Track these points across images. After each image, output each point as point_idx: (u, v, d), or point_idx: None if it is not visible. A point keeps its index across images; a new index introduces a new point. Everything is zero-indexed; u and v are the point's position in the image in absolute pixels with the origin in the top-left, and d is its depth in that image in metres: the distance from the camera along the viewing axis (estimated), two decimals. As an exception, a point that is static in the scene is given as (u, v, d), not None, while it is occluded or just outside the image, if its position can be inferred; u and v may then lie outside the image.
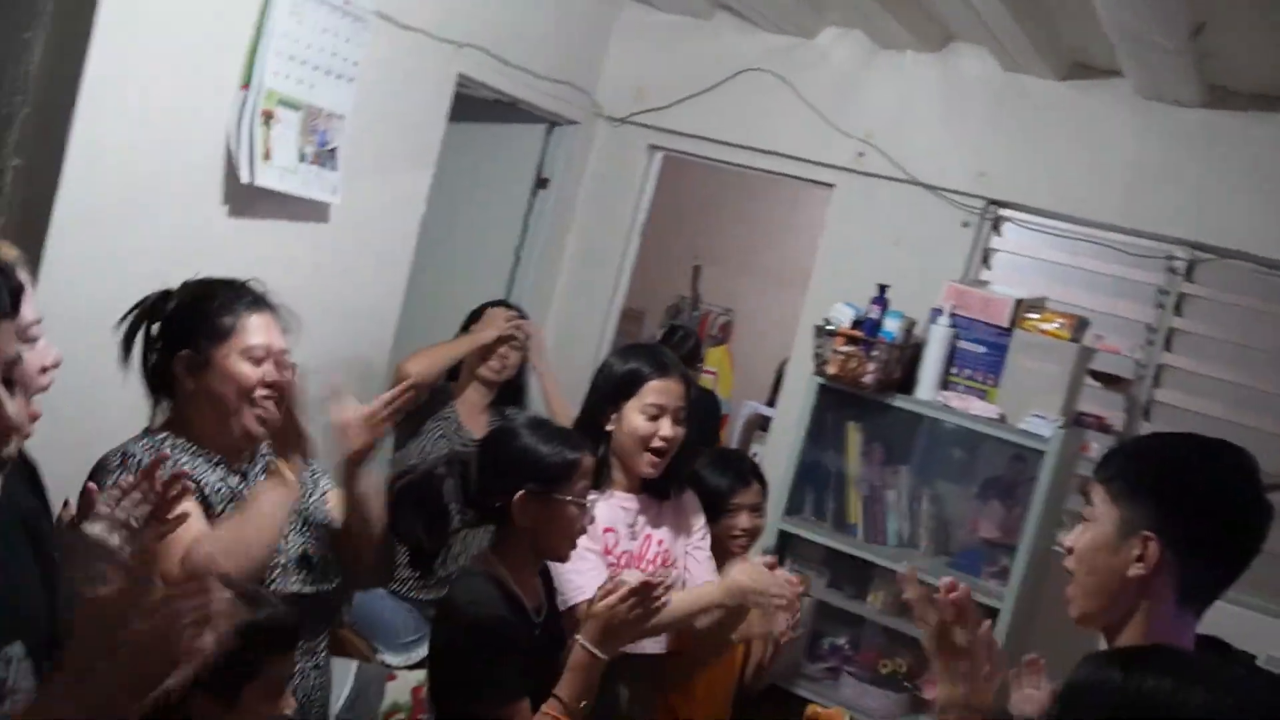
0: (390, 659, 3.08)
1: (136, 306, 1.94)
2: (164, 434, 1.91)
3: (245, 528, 1.79)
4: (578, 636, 2.05)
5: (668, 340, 4.61)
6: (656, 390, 2.50)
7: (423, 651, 2.92)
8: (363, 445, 1.99)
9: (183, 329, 1.88)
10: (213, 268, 2.15)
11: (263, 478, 1.92)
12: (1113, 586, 1.55)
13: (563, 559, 2.21)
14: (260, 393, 1.89)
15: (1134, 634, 1.53)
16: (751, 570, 2.43)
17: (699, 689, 2.90)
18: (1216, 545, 1.54)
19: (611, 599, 2.01)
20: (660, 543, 2.58)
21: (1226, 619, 3.08)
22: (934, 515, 3.60)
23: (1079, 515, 1.65)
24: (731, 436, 4.96)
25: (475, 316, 3.52)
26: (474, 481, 2.14)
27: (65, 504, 1.55)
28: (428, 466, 2.19)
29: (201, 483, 1.87)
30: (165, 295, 1.95)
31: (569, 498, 2.12)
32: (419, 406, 3.38)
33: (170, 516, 1.35)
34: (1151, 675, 1.22)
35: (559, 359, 3.81)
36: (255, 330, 1.91)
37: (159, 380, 1.90)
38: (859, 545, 3.57)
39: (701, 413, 2.76)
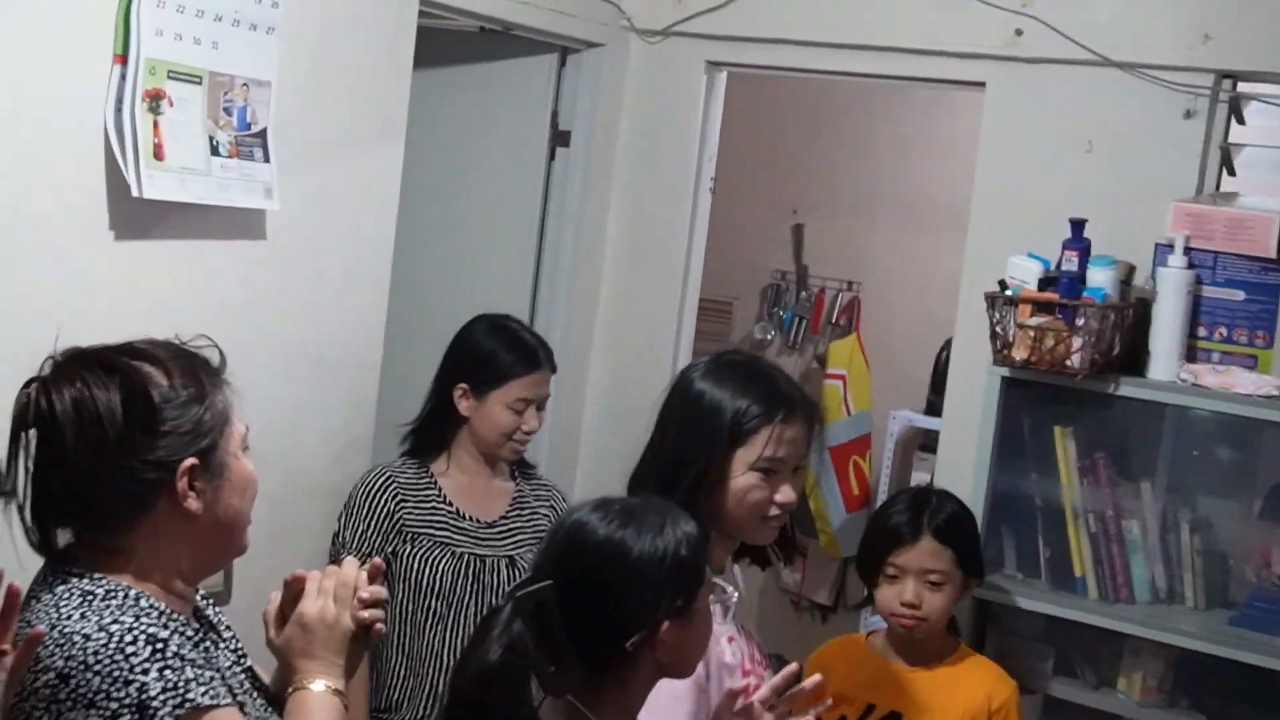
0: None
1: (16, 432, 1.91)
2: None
3: None
4: None
5: None
6: (782, 433, 2.38)
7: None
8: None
9: (187, 438, 1.95)
10: (111, 315, 2.23)
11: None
12: None
13: (688, 675, 2.23)
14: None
15: None
16: None
17: None
18: None
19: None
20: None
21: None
22: (1200, 551, 3.33)
23: None
24: (880, 463, 4.64)
25: (461, 343, 3.29)
26: (574, 630, 2.03)
27: None
28: (501, 644, 2.04)
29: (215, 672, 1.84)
30: (43, 412, 1.90)
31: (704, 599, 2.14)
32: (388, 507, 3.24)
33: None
34: None
35: (617, 382, 3.95)
36: (238, 415, 2.02)
37: (139, 505, 1.93)
38: (1094, 608, 3.31)
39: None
